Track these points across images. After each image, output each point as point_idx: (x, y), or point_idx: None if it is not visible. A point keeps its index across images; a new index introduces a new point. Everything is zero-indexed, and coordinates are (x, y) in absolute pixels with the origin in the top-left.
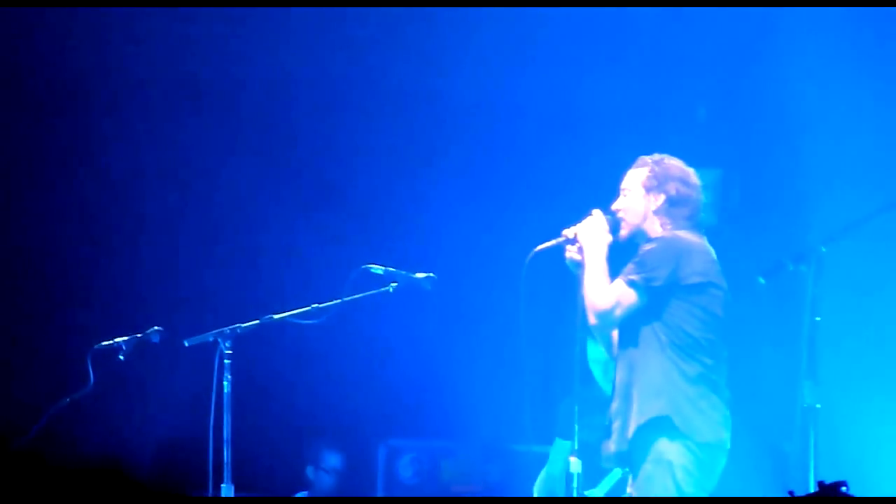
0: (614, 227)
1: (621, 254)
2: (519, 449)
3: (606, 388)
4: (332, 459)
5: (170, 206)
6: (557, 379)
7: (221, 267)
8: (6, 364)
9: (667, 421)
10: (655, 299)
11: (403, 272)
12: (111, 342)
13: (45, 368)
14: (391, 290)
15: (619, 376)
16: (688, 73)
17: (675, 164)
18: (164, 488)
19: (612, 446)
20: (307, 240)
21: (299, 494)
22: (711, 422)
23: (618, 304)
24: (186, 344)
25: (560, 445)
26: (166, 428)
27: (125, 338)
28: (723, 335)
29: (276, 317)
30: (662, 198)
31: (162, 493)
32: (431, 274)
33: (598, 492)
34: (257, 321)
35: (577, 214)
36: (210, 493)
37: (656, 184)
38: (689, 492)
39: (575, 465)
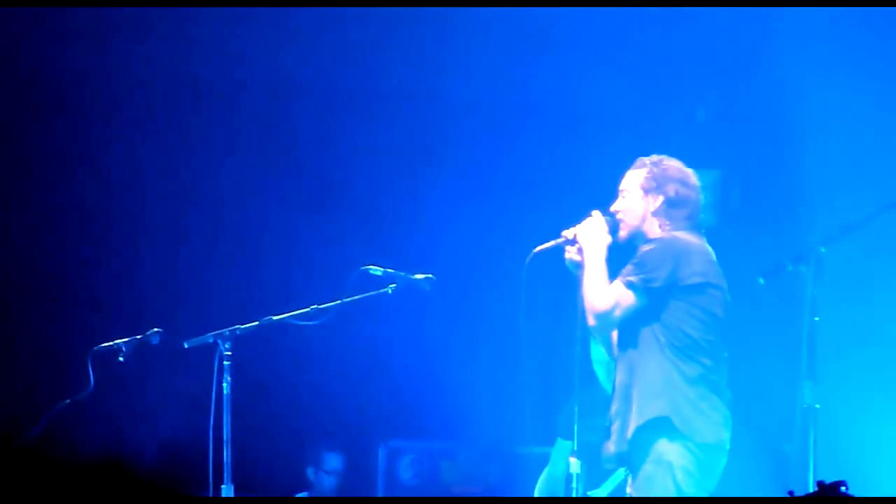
0: (614, 228)
1: (621, 255)
2: (519, 450)
3: (609, 389)
4: (333, 460)
5: (169, 208)
6: (558, 380)
7: (221, 268)
8: (6, 365)
9: (666, 422)
10: (654, 300)
11: (402, 273)
12: (111, 344)
13: (45, 370)
14: (390, 291)
15: (619, 377)
16: (687, 74)
17: (673, 165)
18: (164, 489)
19: (611, 447)
20: (307, 241)
21: (300, 495)
22: (711, 422)
23: (616, 305)
24: (186, 346)
25: (562, 446)
26: (166, 429)
27: (125, 339)
28: (723, 336)
29: (275, 318)
30: (661, 199)
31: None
32: (430, 275)
33: (602, 493)
34: (257, 322)
35: (577, 215)
36: (210, 495)
37: (655, 185)
38: (689, 492)
39: (575, 465)
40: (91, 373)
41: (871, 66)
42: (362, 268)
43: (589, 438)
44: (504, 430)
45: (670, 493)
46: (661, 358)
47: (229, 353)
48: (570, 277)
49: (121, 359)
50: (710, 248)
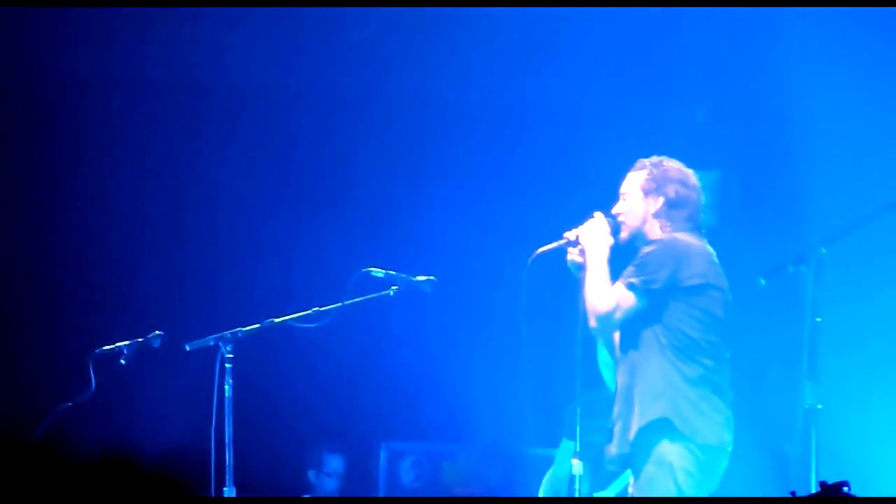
0: (615, 229)
1: (622, 256)
2: (521, 451)
3: (615, 390)
4: (334, 463)
5: (171, 210)
6: (560, 381)
7: (222, 271)
8: (8, 367)
9: (668, 423)
10: (655, 302)
11: (404, 275)
12: (112, 346)
13: (46, 372)
14: (391, 293)
15: (621, 379)
16: (687, 75)
17: (673, 166)
18: (166, 490)
19: (613, 449)
20: (308, 243)
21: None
22: (713, 423)
23: (617, 306)
24: (187, 348)
25: (567, 447)
26: (168, 432)
27: (126, 342)
28: (724, 336)
29: (276, 320)
30: (661, 200)
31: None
32: (432, 277)
33: (609, 494)
34: (258, 325)
35: (579, 217)
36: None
37: (655, 186)
38: (690, 494)
39: (577, 467)
40: (92, 375)
41: (870, 67)
42: (363, 270)
43: (593, 439)
44: (505, 431)
45: (671, 494)
46: (662, 359)
47: (230, 355)
48: (571, 279)
49: (122, 361)
50: (710, 249)
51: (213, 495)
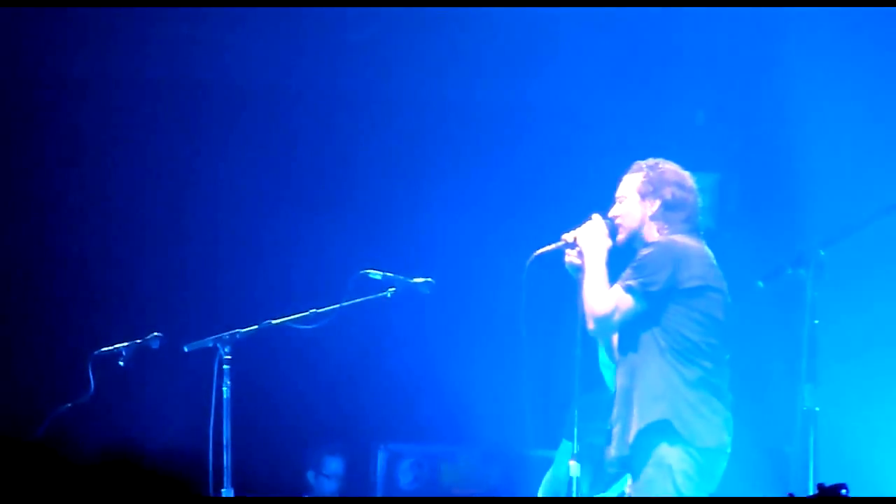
0: (613, 231)
1: (620, 258)
2: (521, 453)
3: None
4: (333, 464)
5: (170, 211)
6: (559, 383)
7: (221, 272)
8: (7, 367)
9: (667, 425)
10: (654, 304)
11: (402, 277)
12: (111, 348)
13: (46, 372)
14: (389, 295)
15: (620, 381)
16: (687, 77)
17: (670, 168)
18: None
19: (613, 451)
20: (306, 244)
21: None
22: (712, 426)
23: (616, 309)
24: (186, 349)
25: (566, 448)
26: (166, 433)
27: (125, 343)
28: (723, 338)
29: (274, 322)
30: (658, 203)
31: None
32: (429, 279)
33: (611, 495)
34: (256, 326)
35: (577, 218)
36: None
37: (651, 189)
38: (689, 496)
39: (575, 469)
40: (91, 377)
41: (869, 69)
42: (361, 271)
43: (593, 441)
44: (505, 433)
45: (670, 496)
46: (661, 362)
47: (229, 356)
48: (570, 281)
49: (121, 363)
50: (709, 251)
51: (211, 495)
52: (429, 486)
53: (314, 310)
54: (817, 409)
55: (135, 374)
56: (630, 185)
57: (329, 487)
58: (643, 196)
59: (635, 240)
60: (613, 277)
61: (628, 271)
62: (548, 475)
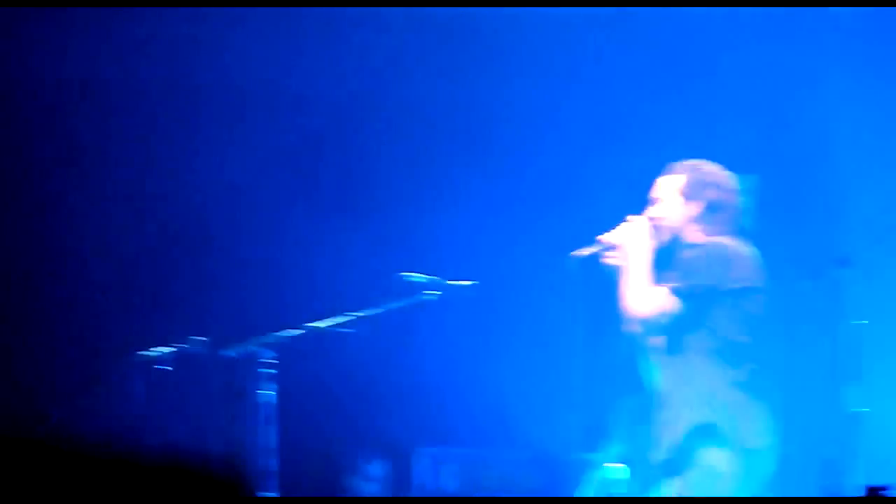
0: (652, 233)
1: (661, 261)
2: (564, 457)
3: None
4: (374, 468)
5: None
6: (602, 386)
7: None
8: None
9: (712, 428)
10: (698, 306)
11: (445, 280)
12: (152, 352)
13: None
14: (433, 298)
15: (663, 384)
16: (721, 77)
17: (712, 169)
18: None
19: (656, 455)
20: (348, 249)
21: None
22: (757, 428)
23: (661, 311)
24: (229, 355)
25: (609, 452)
26: (208, 439)
27: (166, 348)
28: (768, 339)
29: (317, 326)
30: (701, 204)
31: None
32: (473, 281)
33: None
34: (299, 330)
35: (612, 219)
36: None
37: (694, 190)
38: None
39: (620, 472)
40: (134, 382)
41: None
42: (403, 274)
43: (636, 445)
44: (549, 436)
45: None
46: (705, 364)
47: (272, 361)
48: (610, 283)
49: (163, 368)
50: (752, 252)
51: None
52: (472, 490)
53: (357, 313)
54: (864, 409)
55: (177, 379)
56: (671, 186)
57: (370, 491)
58: (686, 197)
59: (676, 241)
60: (654, 281)
61: (673, 273)
62: (591, 479)
